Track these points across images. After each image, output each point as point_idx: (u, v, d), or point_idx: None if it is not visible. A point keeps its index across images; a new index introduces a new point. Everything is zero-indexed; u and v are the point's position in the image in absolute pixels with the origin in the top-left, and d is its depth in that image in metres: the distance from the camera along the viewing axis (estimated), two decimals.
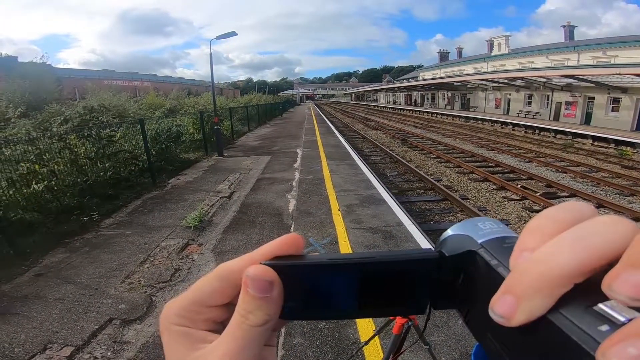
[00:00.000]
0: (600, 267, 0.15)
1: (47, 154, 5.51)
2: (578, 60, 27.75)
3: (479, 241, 0.22)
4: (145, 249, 4.38)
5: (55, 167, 5.55)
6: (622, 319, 0.14)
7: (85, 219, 5.28)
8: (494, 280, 0.19)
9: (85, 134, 6.49)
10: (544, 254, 0.16)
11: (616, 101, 21.08)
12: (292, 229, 4.86)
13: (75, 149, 6.12)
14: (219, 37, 10.69)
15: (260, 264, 0.22)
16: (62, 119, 7.60)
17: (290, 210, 5.59)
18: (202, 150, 11.20)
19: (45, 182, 5.16)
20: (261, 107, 25.63)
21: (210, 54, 10.83)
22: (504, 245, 0.21)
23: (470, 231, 0.23)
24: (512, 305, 0.16)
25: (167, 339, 0.23)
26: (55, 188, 5.37)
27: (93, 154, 6.49)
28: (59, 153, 5.74)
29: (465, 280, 0.22)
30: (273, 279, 0.22)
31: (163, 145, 8.97)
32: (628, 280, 0.14)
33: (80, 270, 3.87)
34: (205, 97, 21.39)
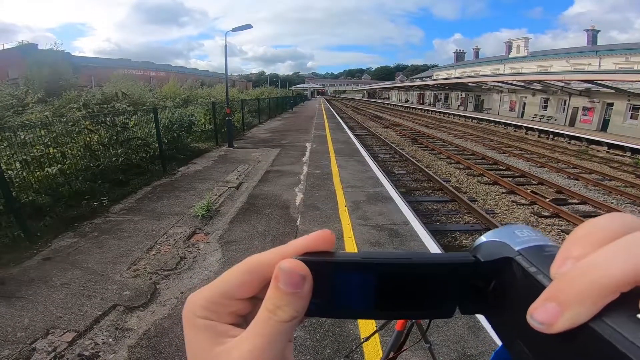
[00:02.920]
0: None
1: (62, 137, 5.61)
2: (599, 65, 27.07)
3: (516, 248, 0.21)
4: (153, 236, 4.41)
5: (69, 151, 5.66)
6: None
7: (95, 204, 5.34)
8: (532, 288, 0.18)
9: (100, 120, 6.59)
10: (593, 262, 0.16)
11: (636, 108, 20.53)
12: (298, 222, 4.89)
13: (90, 135, 6.22)
14: (235, 30, 10.68)
15: (293, 258, 0.22)
16: (80, 104, 7.70)
17: (297, 204, 5.61)
18: (212, 141, 11.30)
19: (59, 165, 5.26)
20: (272, 101, 25.72)
21: (225, 46, 10.82)
22: (544, 254, 0.20)
23: (507, 238, 0.22)
24: (555, 312, 0.16)
25: (191, 332, 0.23)
26: (68, 172, 5.46)
27: (106, 139, 6.58)
28: (74, 138, 5.85)
29: (497, 286, 0.22)
30: (306, 274, 0.21)
31: (175, 134, 9.06)
32: None
33: (88, 255, 3.91)
34: (217, 89, 21.47)
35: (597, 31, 34.86)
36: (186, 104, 12.24)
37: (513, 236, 0.22)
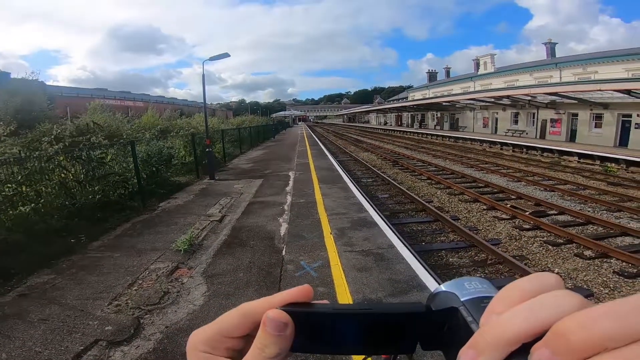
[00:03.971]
0: (544, 332, 0.19)
1: (35, 175, 5.46)
2: (560, 77, 28.11)
3: (462, 299, 0.27)
4: (134, 271, 4.34)
5: (43, 189, 5.49)
6: None
7: (73, 241, 5.22)
8: (469, 334, 0.23)
9: (75, 155, 6.44)
10: (502, 319, 0.21)
11: (599, 117, 21.57)
12: (283, 252, 4.83)
13: (65, 171, 6.06)
14: (212, 59, 10.67)
15: (278, 308, 0.27)
16: (51, 137, 7.48)
17: (282, 234, 5.56)
18: (193, 173, 11.15)
19: (33, 204, 5.10)
20: (253, 129, 25.88)
21: (203, 75, 10.78)
22: (481, 305, 0.25)
23: (457, 289, 0.28)
24: (473, 357, 0.21)
25: None
26: (43, 210, 5.30)
27: (82, 176, 6.42)
28: (48, 175, 5.69)
29: (449, 328, 0.27)
30: (287, 321, 0.26)
31: (154, 168, 8.93)
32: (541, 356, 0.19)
33: (66, 291, 3.83)
34: (197, 118, 21.38)
35: (555, 44, 36.53)
36: (165, 135, 12.14)
37: (462, 288, 0.28)
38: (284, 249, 4.95)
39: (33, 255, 4.61)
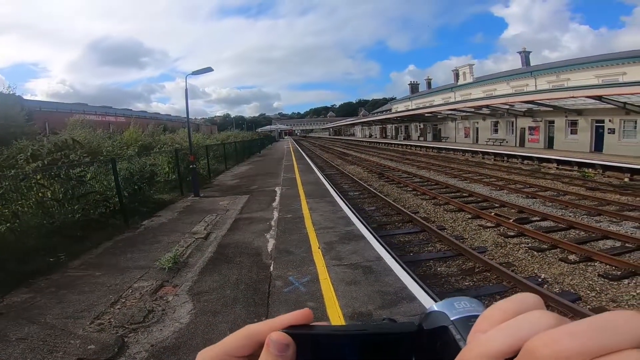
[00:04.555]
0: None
1: (10, 194, 5.28)
2: (535, 85, 28.86)
3: (452, 318, 0.29)
4: (117, 290, 4.27)
5: (20, 208, 5.30)
6: None
7: (52, 259, 5.09)
8: (457, 351, 0.25)
9: (54, 174, 6.25)
10: (486, 338, 0.23)
11: (574, 123, 22.31)
12: (271, 268, 4.77)
13: (42, 190, 5.88)
14: (195, 73, 10.55)
15: (280, 330, 0.29)
16: (27, 154, 7.24)
17: (269, 250, 5.50)
18: (177, 191, 10.94)
19: (8, 224, 4.94)
20: (239, 144, 25.74)
21: (186, 90, 10.64)
22: (469, 324, 0.27)
23: (447, 309, 0.30)
24: None
25: None
26: (19, 230, 5.16)
27: (61, 195, 6.22)
28: (25, 194, 5.50)
29: (441, 345, 0.28)
30: (289, 343, 0.28)
31: (136, 186, 8.74)
32: None
33: (46, 310, 3.75)
34: (181, 134, 21.06)
35: (529, 52, 37.60)
36: (147, 152, 11.92)
37: (452, 308, 0.30)
38: (272, 265, 4.88)
39: (10, 274, 4.49)
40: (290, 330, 0.29)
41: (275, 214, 7.75)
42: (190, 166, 10.67)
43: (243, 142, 29.69)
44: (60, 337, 3.24)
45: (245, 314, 3.63)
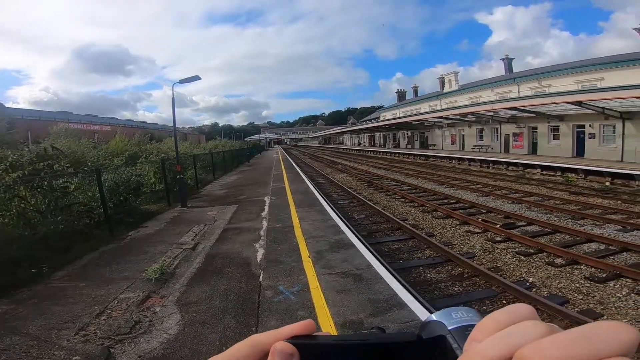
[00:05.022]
0: None
1: None
2: (518, 92, 29.36)
3: (449, 328, 0.30)
4: (102, 301, 4.20)
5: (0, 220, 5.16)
6: None
7: (34, 271, 4.99)
8: (454, 359, 0.27)
9: (36, 185, 6.09)
10: (481, 347, 0.24)
11: (556, 129, 22.87)
12: (261, 278, 4.72)
13: (24, 202, 5.72)
14: (182, 82, 10.44)
15: (284, 341, 0.30)
16: (7, 164, 7.01)
17: (258, 260, 5.44)
18: (164, 201, 10.77)
19: None
20: (227, 154, 25.53)
21: (173, 99, 10.46)
22: (465, 333, 0.28)
23: (445, 319, 0.31)
24: None
25: None
26: None
27: (44, 206, 6.06)
28: (5, 205, 5.35)
29: (439, 354, 0.30)
30: (293, 352, 0.30)
31: (122, 197, 8.58)
32: None
33: (28, 321, 3.70)
34: (168, 143, 20.71)
35: (511, 59, 38.36)
36: (134, 162, 11.72)
37: (449, 317, 0.31)
38: (261, 275, 4.82)
39: None
40: (294, 340, 0.31)
41: (265, 224, 7.69)
42: (178, 176, 10.52)
43: (231, 151, 29.49)
44: (44, 348, 3.18)
45: (235, 324, 3.57)
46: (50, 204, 6.28)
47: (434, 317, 0.32)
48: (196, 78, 10.53)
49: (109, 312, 3.94)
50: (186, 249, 6.17)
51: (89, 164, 9.38)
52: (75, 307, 4.04)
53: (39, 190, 6.13)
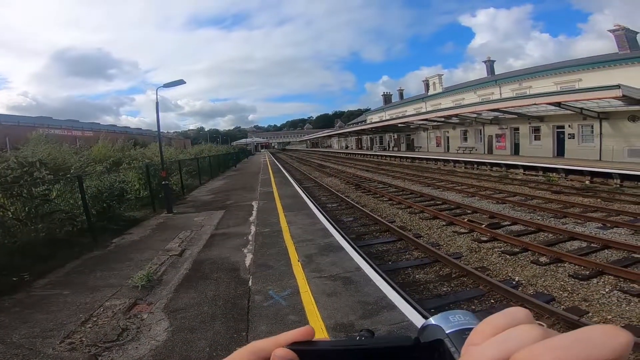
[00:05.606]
0: None
1: None
2: (500, 94, 29.79)
3: (447, 332, 0.30)
4: (87, 309, 4.16)
5: None
6: None
7: (15, 279, 4.91)
8: None
9: (15, 193, 5.92)
10: (478, 350, 0.25)
11: (537, 130, 23.45)
12: (250, 283, 4.68)
13: (2, 210, 5.56)
14: (167, 86, 10.30)
15: (284, 347, 0.31)
16: None
17: (247, 265, 5.39)
18: (149, 208, 10.56)
19: None
20: (213, 159, 25.25)
21: (157, 103, 10.23)
22: (463, 337, 0.28)
23: (443, 323, 0.31)
24: None
25: None
26: None
27: (24, 214, 5.91)
28: None
29: (437, 358, 0.30)
30: (293, 359, 0.30)
31: (105, 204, 8.39)
32: None
33: (11, 330, 3.66)
34: (152, 148, 20.31)
35: (493, 61, 38.92)
36: (117, 168, 11.46)
37: (447, 321, 0.31)
38: (250, 280, 4.79)
39: None
40: (294, 346, 0.31)
41: (253, 229, 7.63)
42: (163, 182, 10.33)
43: (218, 156, 29.18)
44: (29, 356, 3.14)
45: (224, 330, 3.53)
46: (31, 211, 6.18)
47: (432, 320, 0.33)
48: (181, 82, 10.37)
49: (94, 319, 3.89)
50: (173, 255, 6.08)
51: (71, 170, 9.14)
52: (60, 315, 3.98)
53: (18, 198, 5.95)
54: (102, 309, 4.14)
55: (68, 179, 7.61)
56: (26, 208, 6.08)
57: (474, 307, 4.80)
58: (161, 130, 11.51)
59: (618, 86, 14.38)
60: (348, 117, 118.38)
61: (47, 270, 5.49)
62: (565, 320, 4.06)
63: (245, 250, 6.11)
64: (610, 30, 24.65)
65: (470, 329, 0.28)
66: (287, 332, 0.32)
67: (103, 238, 7.36)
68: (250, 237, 6.93)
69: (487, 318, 0.27)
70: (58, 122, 39.67)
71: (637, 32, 24.16)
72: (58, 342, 3.40)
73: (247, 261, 5.56)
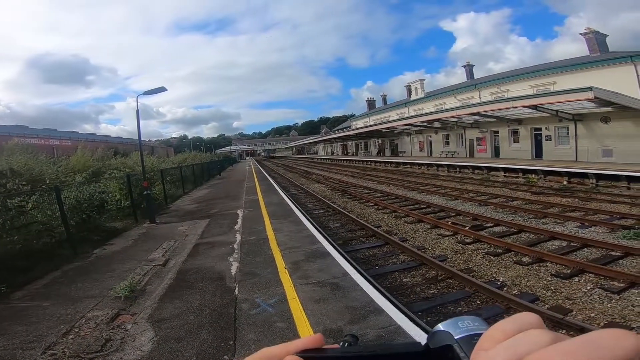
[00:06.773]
0: None
1: None
2: (480, 98, 30.27)
3: (456, 337, 0.31)
4: (68, 320, 4.09)
5: None
6: None
7: None
8: None
9: None
10: (489, 354, 0.25)
11: (515, 133, 24.11)
12: (236, 291, 4.61)
13: None
14: (148, 93, 10.12)
15: (294, 354, 0.31)
16: None
17: (233, 273, 5.31)
18: (131, 218, 10.31)
19: None
20: (197, 167, 24.90)
21: (137, 111, 9.99)
22: (472, 342, 0.29)
23: (452, 328, 0.32)
24: None
25: None
26: None
27: None
28: None
29: None
30: None
31: (84, 215, 8.15)
32: None
33: None
34: (133, 158, 19.86)
35: (472, 65, 39.89)
36: (97, 178, 11.15)
37: (456, 327, 0.32)
38: (237, 288, 4.72)
39: None
40: (304, 354, 0.32)
41: (238, 237, 7.53)
42: (145, 192, 10.10)
43: (201, 164, 28.80)
44: None
45: (211, 339, 3.46)
46: (6, 223, 6.04)
47: (441, 326, 0.33)
48: (162, 89, 10.19)
49: (77, 330, 3.83)
50: (156, 265, 5.96)
51: (47, 181, 8.84)
52: (40, 327, 3.90)
53: None
54: (84, 320, 4.06)
55: (45, 190, 7.39)
56: (0, 220, 5.88)
57: (460, 308, 4.85)
58: (143, 139, 11.26)
59: (590, 88, 14.91)
60: (334, 123, 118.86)
61: (26, 282, 5.37)
62: (550, 319, 4.14)
63: (231, 259, 6.02)
64: (581, 34, 25.68)
65: (479, 335, 0.29)
66: (297, 340, 0.33)
67: (83, 249, 7.20)
68: (235, 246, 6.84)
69: (496, 323, 0.28)
70: (35, 131, 38.48)
71: (606, 35, 25.27)
72: (39, 353, 3.33)
73: (233, 270, 5.48)
